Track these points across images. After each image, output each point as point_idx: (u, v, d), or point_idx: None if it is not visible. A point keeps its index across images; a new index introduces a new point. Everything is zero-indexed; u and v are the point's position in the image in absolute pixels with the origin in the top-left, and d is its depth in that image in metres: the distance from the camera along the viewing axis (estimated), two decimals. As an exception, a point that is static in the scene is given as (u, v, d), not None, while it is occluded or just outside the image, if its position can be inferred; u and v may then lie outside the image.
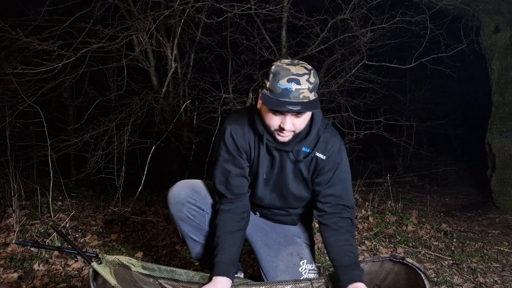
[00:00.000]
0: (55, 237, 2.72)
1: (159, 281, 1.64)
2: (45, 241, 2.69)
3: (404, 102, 6.80)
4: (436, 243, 3.06)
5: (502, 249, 3.09)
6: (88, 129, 4.13)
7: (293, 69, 1.51)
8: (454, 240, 3.20)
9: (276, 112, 1.54)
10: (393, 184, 4.78)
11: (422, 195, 5.15)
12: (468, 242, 3.18)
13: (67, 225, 3.05)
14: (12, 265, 2.40)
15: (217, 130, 1.78)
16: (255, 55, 4.67)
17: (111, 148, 3.99)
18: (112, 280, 1.41)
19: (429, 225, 3.45)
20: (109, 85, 5.28)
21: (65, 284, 2.20)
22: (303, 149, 1.70)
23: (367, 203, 3.73)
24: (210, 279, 1.62)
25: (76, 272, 2.37)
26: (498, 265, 2.70)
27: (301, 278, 1.80)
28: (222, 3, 3.83)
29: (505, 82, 4.58)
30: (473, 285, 2.36)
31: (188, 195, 1.84)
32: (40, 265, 2.39)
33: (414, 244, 3.00)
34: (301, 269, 1.83)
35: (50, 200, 3.25)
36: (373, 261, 1.69)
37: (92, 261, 1.47)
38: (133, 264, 1.59)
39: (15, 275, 2.27)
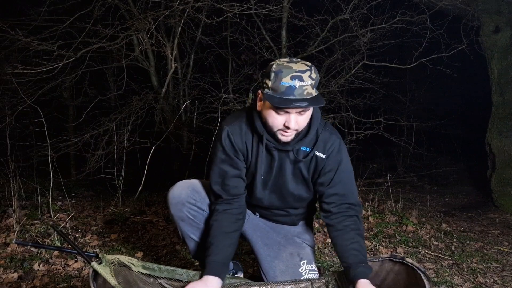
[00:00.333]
0: (55, 237, 2.72)
1: (159, 281, 1.64)
2: (45, 241, 2.69)
3: (404, 102, 6.80)
4: (436, 243, 3.06)
5: (502, 249, 3.09)
6: (88, 129, 4.13)
7: (295, 66, 1.51)
8: (454, 240, 3.20)
9: (280, 111, 1.54)
10: (393, 184, 4.78)
11: (422, 195, 5.15)
12: (468, 242, 3.18)
13: (67, 225, 3.05)
14: (12, 265, 2.40)
15: (217, 130, 1.78)
16: (255, 55, 4.67)
17: (111, 148, 4.00)
18: (112, 280, 1.41)
19: (429, 225, 3.45)
20: (109, 85, 5.28)
21: (65, 284, 2.20)
22: (303, 148, 1.70)
23: (367, 203, 3.73)
24: (200, 277, 1.61)
25: (76, 272, 2.37)
26: (498, 265, 2.70)
27: (301, 278, 1.80)
28: (222, 3, 3.83)
29: (505, 82, 4.58)
30: (473, 285, 2.36)
31: (189, 195, 1.83)
32: (40, 265, 2.40)
33: (414, 244, 3.00)
34: (301, 270, 1.83)
35: (50, 200, 3.25)
36: (373, 261, 1.69)
37: (92, 261, 1.47)
38: (133, 264, 1.59)
39: (15, 275, 2.27)
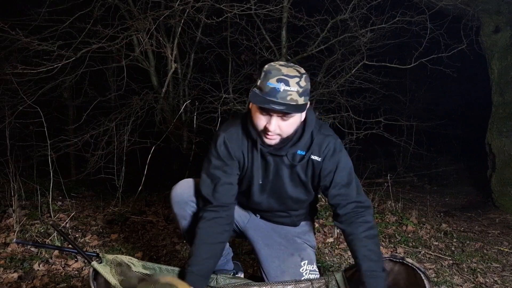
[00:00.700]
0: (55, 237, 2.72)
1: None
2: (45, 241, 2.69)
3: (404, 102, 6.79)
4: (436, 243, 3.06)
5: (502, 249, 3.08)
6: (88, 129, 4.13)
7: (285, 70, 1.49)
8: (454, 240, 3.20)
9: (263, 111, 1.52)
10: (393, 184, 4.78)
11: (422, 195, 5.15)
12: (468, 242, 3.18)
13: (67, 225, 3.05)
14: (12, 265, 2.40)
15: (214, 136, 1.77)
16: (255, 55, 4.67)
17: (111, 148, 3.99)
18: (112, 280, 1.41)
19: (429, 225, 3.45)
20: (109, 85, 5.28)
21: (65, 284, 2.20)
22: (298, 152, 1.68)
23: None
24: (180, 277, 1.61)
25: (76, 272, 2.37)
26: (498, 265, 2.70)
27: (302, 278, 1.80)
28: (222, 3, 3.83)
29: (505, 82, 4.58)
30: (473, 285, 2.36)
31: (191, 194, 1.83)
32: (40, 265, 2.40)
33: (414, 244, 3.00)
34: (302, 270, 1.83)
35: (50, 200, 3.25)
36: (373, 261, 1.69)
37: (93, 261, 1.47)
38: (133, 264, 1.59)
39: (15, 275, 2.27)
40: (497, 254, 2.98)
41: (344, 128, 4.68)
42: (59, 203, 3.57)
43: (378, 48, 4.77)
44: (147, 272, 1.62)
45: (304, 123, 1.65)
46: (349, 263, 2.55)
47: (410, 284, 1.58)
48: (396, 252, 2.83)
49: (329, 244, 2.89)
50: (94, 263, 1.44)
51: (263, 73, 1.52)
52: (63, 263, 2.45)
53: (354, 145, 4.61)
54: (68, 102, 5.19)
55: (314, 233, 2.04)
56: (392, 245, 2.95)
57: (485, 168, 4.88)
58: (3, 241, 2.71)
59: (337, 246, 2.84)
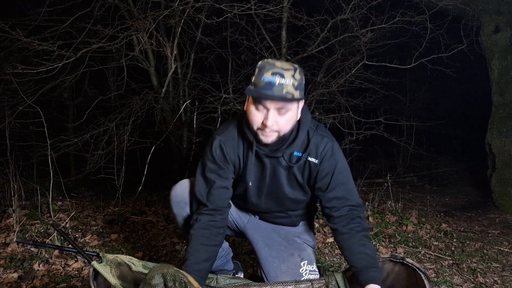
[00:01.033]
0: (55, 237, 2.72)
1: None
2: (45, 241, 2.69)
3: (404, 102, 6.79)
4: (436, 243, 3.06)
5: (502, 249, 3.08)
6: (88, 129, 4.13)
7: (279, 64, 1.50)
8: (454, 240, 3.20)
9: (259, 105, 1.51)
10: (393, 184, 4.78)
11: (422, 195, 5.15)
12: (468, 242, 3.18)
13: (67, 225, 3.05)
14: (12, 265, 2.40)
15: (210, 139, 1.76)
16: (255, 55, 4.67)
17: (111, 148, 3.99)
18: (112, 279, 1.41)
19: (429, 225, 3.45)
20: (109, 85, 5.28)
21: (65, 284, 2.20)
22: (295, 153, 1.68)
23: (367, 203, 3.73)
24: None
25: (76, 272, 2.37)
26: (498, 265, 2.70)
27: (302, 279, 1.80)
28: (222, 3, 3.82)
29: (505, 82, 4.58)
30: (473, 285, 2.36)
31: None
32: (40, 265, 2.40)
33: (414, 244, 3.00)
34: (302, 270, 1.83)
35: (50, 200, 3.25)
36: (373, 261, 1.69)
37: (93, 260, 1.47)
38: (134, 264, 1.59)
39: (15, 275, 2.27)
40: (497, 254, 2.97)
41: (344, 128, 4.68)
42: (59, 203, 3.57)
43: (378, 48, 4.77)
44: (148, 272, 1.62)
45: (299, 123, 1.65)
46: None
47: (410, 284, 1.58)
48: (396, 252, 2.83)
49: (329, 244, 2.89)
50: (94, 263, 1.44)
51: (257, 69, 1.52)
52: (63, 263, 2.45)
53: (354, 145, 4.61)
54: (68, 102, 5.19)
55: (314, 233, 2.04)
56: (392, 245, 2.95)
57: (485, 168, 4.88)
58: (3, 241, 2.71)
59: (337, 246, 2.83)
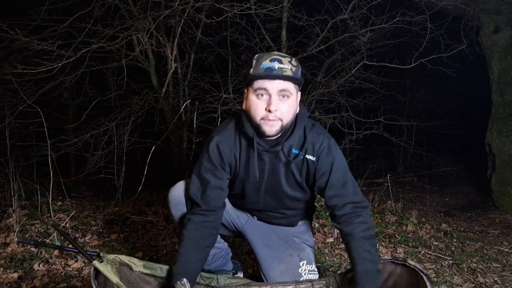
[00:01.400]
0: (55, 237, 2.72)
1: (160, 280, 1.64)
2: (45, 241, 2.69)
3: (404, 102, 6.79)
4: (436, 243, 3.06)
5: (502, 249, 3.09)
6: (88, 129, 4.13)
7: (275, 53, 1.57)
8: (454, 240, 3.20)
9: (261, 91, 1.55)
10: (393, 184, 4.78)
11: (422, 195, 5.15)
12: (468, 242, 3.18)
13: (67, 225, 3.05)
14: (12, 265, 2.40)
15: (207, 139, 1.76)
16: (255, 55, 4.66)
17: (111, 148, 3.99)
18: (113, 278, 1.41)
19: (429, 225, 3.45)
20: (109, 85, 5.28)
21: (65, 284, 2.20)
22: (293, 151, 1.68)
23: (367, 203, 3.73)
24: (168, 275, 1.62)
25: (76, 272, 2.37)
26: (498, 265, 2.70)
27: (301, 279, 1.79)
28: (222, 3, 3.82)
29: (505, 82, 4.58)
30: (473, 285, 2.36)
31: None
32: (40, 265, 2.39)
33: (414, 244, 3.00)
34: (301, 270, 1.83)
35: (50, 200, 3.25)
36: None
37: (94, 260, 1.47)
38: (134, 264, 1.59)
39: (15, 275, 2.27)
40: (497, 254, 2.97)
41: (344, 128, 4.68)
42: (59, 203, 3.57)
43: (378, 48, 4.77)
44: (148, 272, 1.62)
45: (296, 118, 1.66)
46: (350, 263, 2.55)
47: (412, 286, 1.58)
48: (396, 252, 2.83)
49: (329, 244, 2.89)
50: (95, 262, 1.44)
51: (254, 61, 1.58)
52: (63, 263, 2.45)
53: (354, 145, 4.62)
54: (68, 102, 5.18)
55: (313, 233, 2.04)
56: (392, 245, 2.95)
57: (485, 168, 4.88)
58: (3, 241, 2.71)
59: (337, 246, 2.84)
